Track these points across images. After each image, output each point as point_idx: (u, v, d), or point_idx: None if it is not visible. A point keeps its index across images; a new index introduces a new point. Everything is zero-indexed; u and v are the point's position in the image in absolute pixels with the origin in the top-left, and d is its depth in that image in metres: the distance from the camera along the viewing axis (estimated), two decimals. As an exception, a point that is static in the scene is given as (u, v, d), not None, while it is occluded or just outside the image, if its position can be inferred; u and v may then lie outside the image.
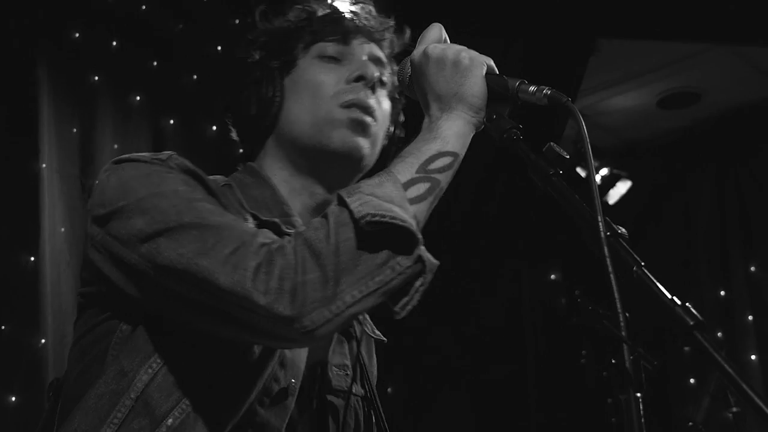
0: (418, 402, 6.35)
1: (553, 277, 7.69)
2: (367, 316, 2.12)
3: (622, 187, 7.23)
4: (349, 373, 2.00)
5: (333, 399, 1.94)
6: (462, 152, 1.74)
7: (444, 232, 6.32)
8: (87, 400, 1.69)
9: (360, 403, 2.02)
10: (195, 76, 5.06)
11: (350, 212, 1.55)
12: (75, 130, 4.55)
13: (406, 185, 1.64)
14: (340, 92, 1.97)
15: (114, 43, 4.83)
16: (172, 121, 4.96)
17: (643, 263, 1.50)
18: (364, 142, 1.97)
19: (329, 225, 1.56)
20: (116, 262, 1.68)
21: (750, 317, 6.85)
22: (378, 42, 2.10)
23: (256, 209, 1.89)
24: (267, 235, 1.62)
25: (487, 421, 6.73)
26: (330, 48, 2.03)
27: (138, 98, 4.89)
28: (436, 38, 1.87)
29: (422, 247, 1.58)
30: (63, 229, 4.31)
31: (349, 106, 1.96)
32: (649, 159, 7.49)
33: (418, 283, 1.58)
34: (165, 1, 5.08)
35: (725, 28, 5.66)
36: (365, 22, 2.07)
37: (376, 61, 2.06)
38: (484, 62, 1.80)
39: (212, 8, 5.24)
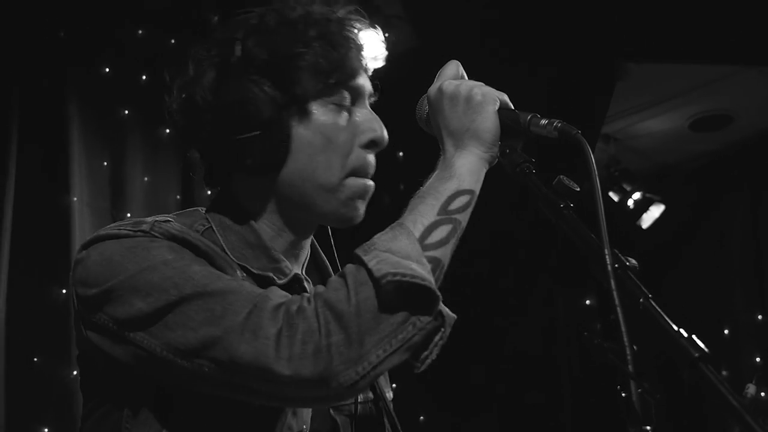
0: (450, 429, 6.32)
1: (588, 302, 7.65)
2: None
3: (655, 211, 7.19)
4: None
5: (338, 417, 1.91)
6: (477, 189, 1.75)
7: (479, 256, 6.33)
8: None
9: (369, 407, 2.00)
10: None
11: (368, 271, 1.53)
12: (105, 163, 4.62)
13: (430, 229, 1.64)
14: (353, 161, 1.87)
15: (143, 77, 4.88)
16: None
17: (650, 295, 1.50)
18: (364, 209, 1.92)
19: (348, 285, 1.54)
20: (117, 341, 1.64)
21: (784, 340, 6.80)
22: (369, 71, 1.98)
23: (244, 260, 1.82)
24: (279, 294, 1.60)
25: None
26: (344, 94, 1.87)
27: (168, 131, 4.92)
28: (452, 75, 1.88)
29: (441, 303, 1.58)
30: (93, 262, 4.33)
31: (362, 176, 1.88)
32: (682, 182, 7.45)
33: (437, 338, 1.58)
34: (194, 34, 5.13)
35: (755, 50, 5.63)
36: (367, 50, 1.93)
37: (370, 97, 1.95)
38: (497, 98, 1.82)
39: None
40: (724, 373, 6.79)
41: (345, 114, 1.87)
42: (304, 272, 1.97)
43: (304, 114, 1.83)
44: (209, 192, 2.03)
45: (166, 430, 1.67)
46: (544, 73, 5.49)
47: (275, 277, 1.83)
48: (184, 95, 1.87)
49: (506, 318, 6.63)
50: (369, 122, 1.88)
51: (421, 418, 5.99)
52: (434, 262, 1.62)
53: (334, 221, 1.93)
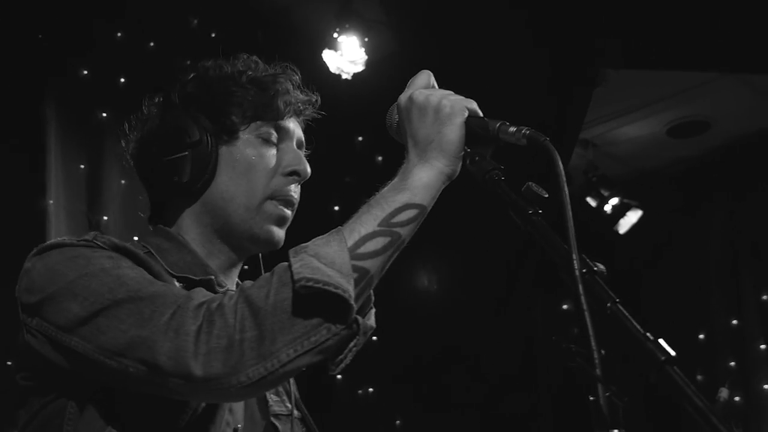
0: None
1: (565, 307, 7.67)
2: None
3: (632, 217, 7.23)
4: (283, 397, 2.07)
5: (278, 423, 2.00)
6: (429, 205, 1.78)
7: (456, 262, 6.35)
8: None
9: (299, 425, 2.09)
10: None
11: (291, 273, 1.59)
12: (82, 166, 4.59)
13: (365, 238, 1.68)
14: (274, 185, 2.03)
15: (122, 80, 4.88)
16: (178, 157, 4.96)
17: (617, 299, 1.51)
18: (282, 234, 2.06)
19: (272, 283, 1.61)
20: (55, 346, 1.71)
21: (762, 346, 6.81)
22: (302, 119, 2.17)
23: (185, 272, 1.93)
24: (202, 294, 1.68)
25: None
26: (270, 130, 2.06)
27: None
28: (423, 84, 1.89)
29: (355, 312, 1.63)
30: (69, 266, 4.29)
31: (280, 201, 2.03)
32: (659, 188, 7.48)
33: (351, 344, 1.64)
34: (172, 37, 5.13)
35: (733, 57, 5.67)
36: (297, 100, 2.12)
37: (300, 145, 2.14)
38: (466, 107, 1.82)
39: (219, 45, 5.29)
40: (699, 377, 6.84)
41: (270, 147, 2.06)
42: None
43: (231, 142, 2.03)
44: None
45: (110, 427, 1.72)
46: (522, 77, 5.51)
47: (216, 282, 1.95)
48: (137, 137, 2.11)
49: (484, 323, 6.64)
50: (292, 155, 2.07)
51: (398, 422, 6.00)
52: (361, 272, 1.65)
53: (250, 241, 2.05)
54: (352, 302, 1.60)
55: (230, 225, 2.01)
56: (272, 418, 1.99)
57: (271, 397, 2.02)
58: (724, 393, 2.82)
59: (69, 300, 1.68)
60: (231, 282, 2.06)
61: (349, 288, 1.60)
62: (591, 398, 1.47)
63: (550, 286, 7.44)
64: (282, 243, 2.05)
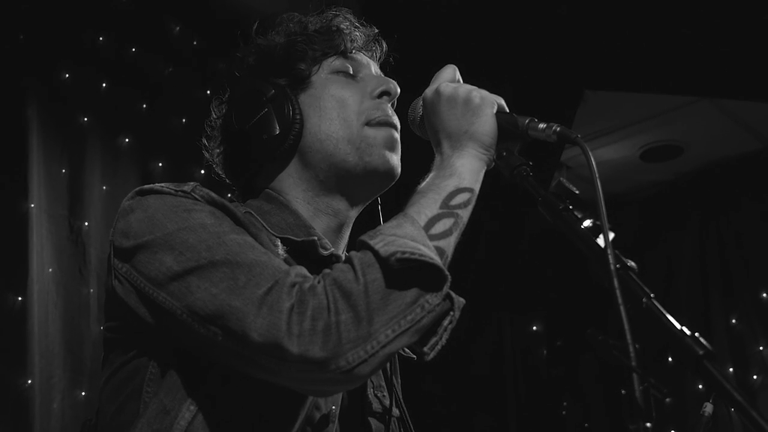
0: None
1: (534, 328, 7.71)
2: None
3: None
4: (385, 394, 1.98)
5: (373, 422, 1.92)
6: (477, 188, 1.76)
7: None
8: None
9: (396, 424, 1.99)
10: (183, 120, 5.07)
11: (375, 252, 1.53)
12: (64, 170, 4.53)
13: (432, 221, 1.65)
14: (367, 109, 1.97)
15: (103, 85, 4.84)
16: (160, 164, 4.97)
17: (652, 294, 1.53)
18: (397, 160, 1.99)
19: (355, 266, 1.53)
20: (142, 297, 1.63)
21: (731, 369, 6.85)
22: (372, 55, 2.14)
23: (287, 233, 1.87)
24: (299, 272, 1.58)
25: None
26: (343, 64, 2.03)
27: (127, 140, 4.90)
28: (449, 78, 1.90)
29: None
30: (51, 270, 4.28)
31: (380, 124, 1.96)
32: (631, 211, 7.53)
33: (446, 322, 1.57)
34: (154, 43, 5.10)
35: (708, 82, 5.72)
36: (361, 35, 2.10)
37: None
38: (495, 101, 1.83)
39: (201, 52, 5.28)
40: (667, 400, 6.86)
41: (350, 78, 2.02)
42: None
43: (309, 87, 2.01)
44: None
45: (191, 398, 1.63)
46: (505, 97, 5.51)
47: (319, 245, 1.87)
48: (217, 138, 2.12)
49: (455, 342, 6.62)
50: (375, 79, 2.03)
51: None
52: (438, 252, 1.61)
53: (365, 174, 1.96)
54: (447, 272, 1.55)
55: (336, 166, 1.95)
56: (369, 417, 1.91)
57: (370, 392, 1.94)
58: (708, 408, 2.83)
59: (164, 252, 1.60)
60: (339, 247, 1.99)
61: (439, 259, 1.56)
62: (623, 392, 1.47)
63: (519, 307, 7.48)
64: (399, 171, 1.99)
